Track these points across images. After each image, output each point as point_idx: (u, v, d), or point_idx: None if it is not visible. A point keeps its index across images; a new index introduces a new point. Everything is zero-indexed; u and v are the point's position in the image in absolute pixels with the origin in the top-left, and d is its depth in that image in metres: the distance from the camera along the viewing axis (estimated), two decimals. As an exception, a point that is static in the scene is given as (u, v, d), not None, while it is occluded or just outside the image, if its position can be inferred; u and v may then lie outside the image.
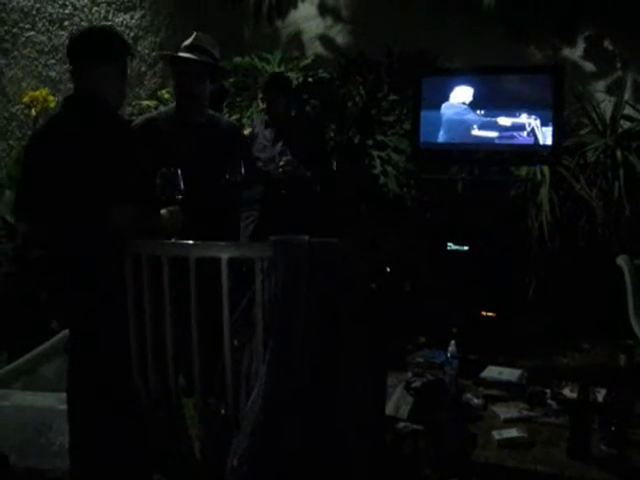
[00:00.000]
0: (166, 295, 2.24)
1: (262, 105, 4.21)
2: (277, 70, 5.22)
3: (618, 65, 5.09)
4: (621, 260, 4.01)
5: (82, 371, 2.47)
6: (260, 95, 4.24)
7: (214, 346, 2.21)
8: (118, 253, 2.31)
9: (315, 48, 5.85)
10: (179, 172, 2.57)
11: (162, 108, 3.92)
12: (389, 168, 4.98)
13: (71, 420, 2.52)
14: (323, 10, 5.87)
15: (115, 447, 2.41)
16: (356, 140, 5.12)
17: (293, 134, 4.19)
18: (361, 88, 5.24)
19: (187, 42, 3.28)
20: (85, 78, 2.50)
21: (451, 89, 4.37)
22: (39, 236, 2.56)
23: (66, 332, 3.56)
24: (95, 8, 5.01)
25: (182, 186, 2.57)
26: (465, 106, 4.33)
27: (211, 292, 2.18)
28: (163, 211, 2.51)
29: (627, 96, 4.97)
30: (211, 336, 2.22)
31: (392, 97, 5.15)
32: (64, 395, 2.71)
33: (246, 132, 4.25)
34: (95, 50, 2.49)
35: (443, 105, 4.37)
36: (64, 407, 2.65)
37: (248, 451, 2.02)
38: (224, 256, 2.16)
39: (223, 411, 2.23)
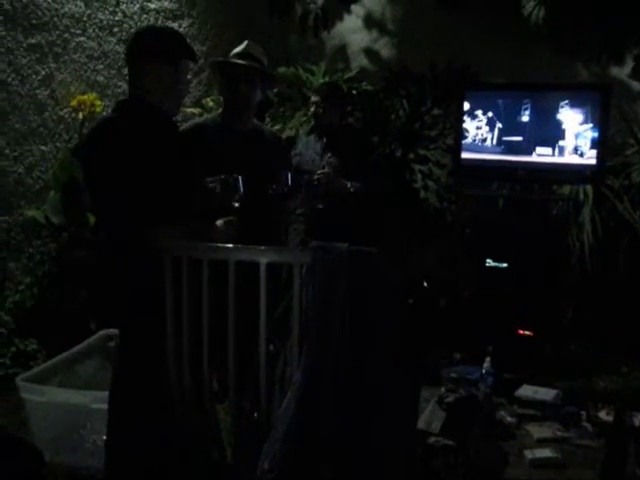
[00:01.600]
0: (205, 298, 2.25)
1: (312, 110, 4.23)
2: (322, 81, 5.24)
3: (666, 86, 5.03)
4: (663, 283, 3.94)
5: (127, 373, 2.47)
6: (314, 99, 4.23)
7: (248, 350, 2.21)
8: (159, 255, 2.30)
9: (360, 60, 5.86)
10: (240, 179, 2.55)
11: (207, 115, 3.93)
12: (430, 182, 4.97)
13: (111, 420, 2.50)
14: (369, 23, 5.89)
15: (151, 449, 2.42)
16: (398, 153, 5.11)
17: (341, 144, 4.18)
18: (405, 101, 5.23)
19: (238, 49, 3.28)
20: (133, 80, 2.48)
21: (495, 104, 4.35)
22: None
23: (103, 332, 3.64)
24: (144, 16, 5.09)
25: (242, 193, 2.55)
26: (509, 122, 4.30)
27: (247, 296, 2.19)
28: (219, 222, 2.48)
29: (674, 117, 4.90)
30: (246, 340, 2.22)
31: (435, 111, 5.14)
32: (99, 394, 2.75)
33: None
34: (141, 51, 2.44)
35: (486, 120, 4.35)
36: (98, 406, 2.69)
37: (279, 455, 2.02)
38: (263, 260, 2.17)
39: (256, 415, 2.23)
